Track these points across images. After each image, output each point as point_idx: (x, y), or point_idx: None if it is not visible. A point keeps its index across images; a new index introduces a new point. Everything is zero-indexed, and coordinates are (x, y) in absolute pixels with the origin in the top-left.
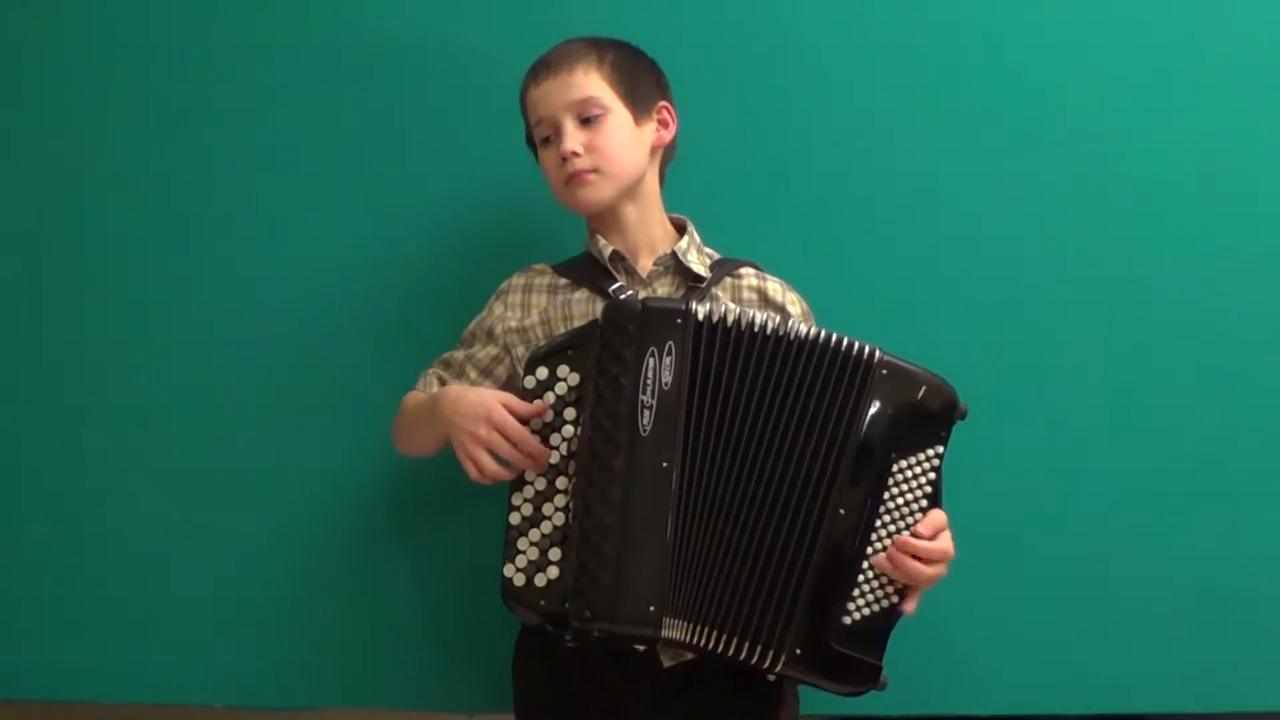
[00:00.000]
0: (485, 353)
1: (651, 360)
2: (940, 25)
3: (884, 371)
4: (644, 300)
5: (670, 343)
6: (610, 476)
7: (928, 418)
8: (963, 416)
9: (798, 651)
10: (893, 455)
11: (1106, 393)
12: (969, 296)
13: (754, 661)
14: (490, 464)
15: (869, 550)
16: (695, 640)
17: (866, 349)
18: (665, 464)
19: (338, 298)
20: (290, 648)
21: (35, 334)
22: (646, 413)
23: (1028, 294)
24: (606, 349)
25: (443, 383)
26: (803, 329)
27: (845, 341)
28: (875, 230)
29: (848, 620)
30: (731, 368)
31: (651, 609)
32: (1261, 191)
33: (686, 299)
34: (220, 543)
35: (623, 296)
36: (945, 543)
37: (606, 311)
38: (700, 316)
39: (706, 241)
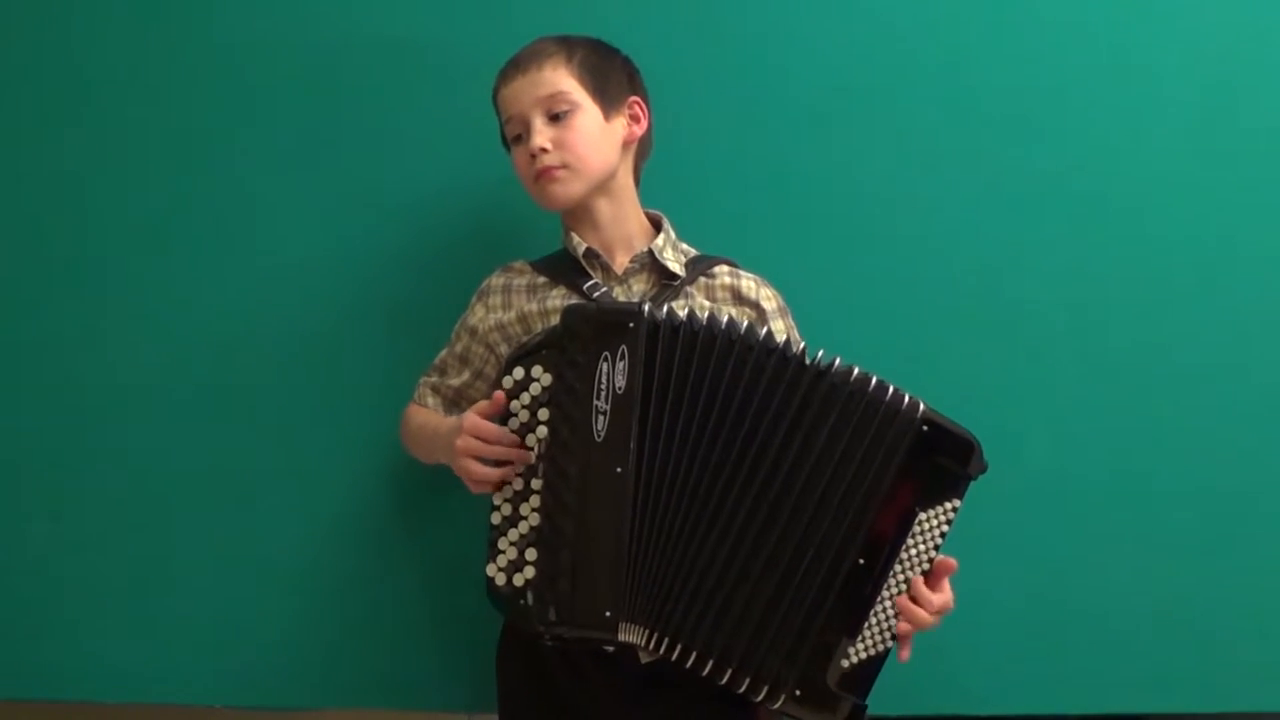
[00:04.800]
0: (473, 352)
1: (605, 365)
2: (922, 18)
3: (925, 428)
4: (599, 304)
5: (624, 346)
6: (566, 482)
7: (954, 470)
8: (983, 472)
9: (798, 692)
10: (916, 509)
11: (1105, 392)
12: (951, 296)
13: (746, 692)
14: (478, 468)
15: (879, 598)
16: (687, 660)
17: (907, 401)
18: (619, 469)
19: (329, 298)
20: (289, 648)
21: (35, 333)
22: (601, 418)
23: (1019, 293)
24: (563, 354)
25: (435, 390)
26: (839, 362)
27: (889, 391)
28: (857, 228)
29: (846, 664)
30: (684, 373)
31: (607, 613)
32: (1262, 192)
33: (642, 301)
34: (219, 543)
35: (596, 295)
36: (948, 594)
37: (564, 316)
38: (656, 319)
39: (685, 239)
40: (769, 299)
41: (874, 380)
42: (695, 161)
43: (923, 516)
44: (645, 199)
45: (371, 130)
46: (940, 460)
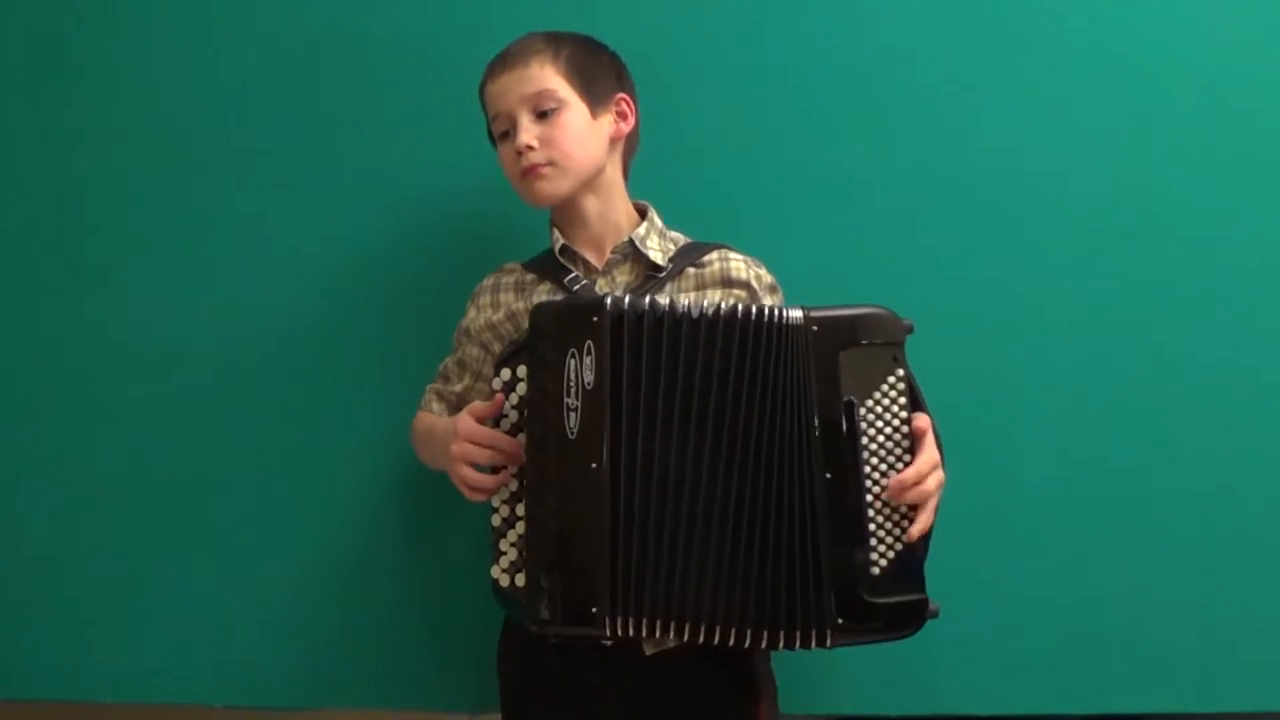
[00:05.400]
0: (470, 354)
1: (572, 361)
2: (920, 10)
3: (815, 328)
4: (564, 300)
5: (589, 342)
6: (545, 481)
7: (876, 350)
8: (910, 332)
9: (840, 621)
10: (854, 401)
11: (1108, 391)
12: (957, 291)
13: (799, 646)
14: (472, 475)
15: (869, 498)
16: (708, 637)
17: (790, 313)
18: (594, 465)
19: (331, 297)
20: (290, 648)
21: (35, 334)
22: (572, 415)
23: (1017, 284)
24: (533, 353)
25: (440, 397)
26: (723, 306)
27: (769, 311)
28: (861, 216)
29: (876, 570)
30: (655, 359)
31: (594, 610)
32: (1262, 191)
33: (605, 295)
34: (219, 543)
35: (576, 288)
36: (931, 454)
37: (531, 315)
38: (619, 311)
39: (688, 229)
40: (759, 278)
41: (758, 308)
42: (686, 150)
43: (869, 403)
44: (638, 188)
45: (372, 129)
46: (855, 347)
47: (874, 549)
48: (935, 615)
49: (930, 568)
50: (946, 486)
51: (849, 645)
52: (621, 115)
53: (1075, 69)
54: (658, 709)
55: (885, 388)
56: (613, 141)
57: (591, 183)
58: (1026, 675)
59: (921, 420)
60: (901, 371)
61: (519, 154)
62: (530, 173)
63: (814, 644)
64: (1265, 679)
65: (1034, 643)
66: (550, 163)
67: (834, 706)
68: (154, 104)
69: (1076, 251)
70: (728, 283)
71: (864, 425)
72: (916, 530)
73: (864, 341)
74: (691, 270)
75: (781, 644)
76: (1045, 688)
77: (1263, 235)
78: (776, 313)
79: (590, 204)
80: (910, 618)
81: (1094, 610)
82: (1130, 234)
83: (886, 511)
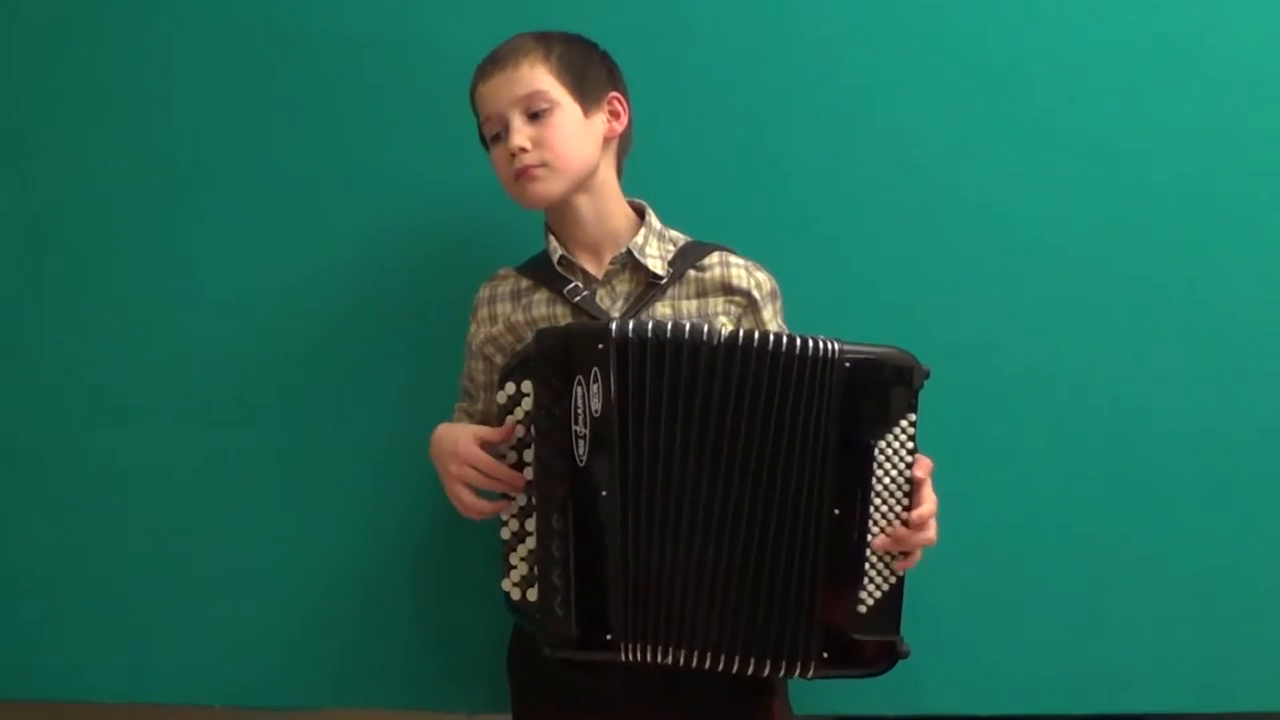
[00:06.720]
0: (476, 369)
1: (579, 389)
2: (922, 7)
3: (847, 364)
4: (568, 327)
5: (596, 369)
6: (554, 506)
7: (896, 392)
8: (927, 377)
9: (825, 655)
10: (871, 442)
11: (1107, 391)
12: (961, 292)
13: (783, 675)
14: (470, 498)
15: (869, 538)
16: (712, 664)
17: (826, 346)
18: (604, 492)
19: (337, 300)
20: (290, 648)
21: (35, 334)
22: (581, 442)
23: (1015, 281)
24: (538, 378)
25: (468, 415)
26: (755, 335)
27: (805, 343)
28: (860, 215)
29: (863, 609)
30: (657, 387)
31: (608, 637)
32: (1262, 190)
33: (610, 322)
34: (220, 543)
35: (576, 299)
36: (930, 501)
37: (535, 340)
38: (624, 337)
39: (686, 227)
40: (759, 285)
41: (796, 340)
42: (684, 147)
43: (881, 444)
44: (637, 186)
45: (365, 131)
46: (878, 388)
47: (864, 587)
48: (905, 656)
49: (931, 568)
50: (947, 488)
51: (825, 678)
52: (614, 114)
53: (1077, 73)
54: (673, 709)
55: (898, 430)
56: (606, 141)
57: (585, 183)
58: (1026, 675)
59: (923, 465)
60: (914, 416)
61: (512, 156)
62: (523, 175)
63: (796, 674)
64: (1265, 679)
65: (1033, 643)
66: (543, 164)
67: (834, 707)
68: (148, 109)
69: (1078, 254)
70: (728, 290)
71: (874, 465)
72: (903, 566)
73: (889, 382)
74: (692, 274)
75: (766, 671)
76: (1045, 688)
77: (1262, 238)
78: (812, 344)
79: (584, 205)
80: (884, 657)
81: (1094, 610)
82: (1132, 238)
83: (880, 551)
